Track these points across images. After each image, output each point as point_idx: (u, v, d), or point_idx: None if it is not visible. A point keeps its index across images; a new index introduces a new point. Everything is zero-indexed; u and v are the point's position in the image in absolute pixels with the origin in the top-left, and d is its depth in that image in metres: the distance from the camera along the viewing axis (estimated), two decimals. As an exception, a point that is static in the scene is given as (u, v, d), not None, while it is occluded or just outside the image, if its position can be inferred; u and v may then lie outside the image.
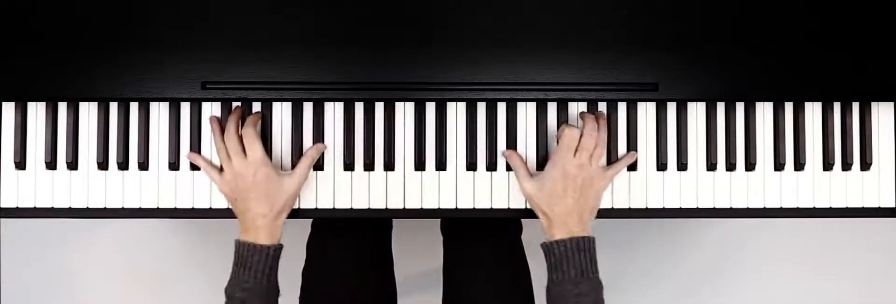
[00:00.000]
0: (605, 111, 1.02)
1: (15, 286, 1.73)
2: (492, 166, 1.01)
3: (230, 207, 0.97)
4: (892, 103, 1.03)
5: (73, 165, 1.00)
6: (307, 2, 0.98)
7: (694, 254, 1.77)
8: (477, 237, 1.17)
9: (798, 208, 1.02)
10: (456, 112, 1.02)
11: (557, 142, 0.97)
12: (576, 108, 1.02)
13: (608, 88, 0.99)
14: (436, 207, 1.01)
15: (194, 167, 1.00)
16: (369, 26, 0.98)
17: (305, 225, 1.22)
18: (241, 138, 0.96)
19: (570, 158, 0.94)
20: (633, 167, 1.01)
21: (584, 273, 0.92)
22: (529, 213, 1.01)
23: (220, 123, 0.99)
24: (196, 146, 1.00)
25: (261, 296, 0.92)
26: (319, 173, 1.01)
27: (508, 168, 1.01)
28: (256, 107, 1.01)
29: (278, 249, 0.94)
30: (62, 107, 1.01)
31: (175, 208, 1.01)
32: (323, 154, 1.00)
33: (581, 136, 0.95)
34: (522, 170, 0.98)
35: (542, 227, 0.95)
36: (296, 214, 1.00)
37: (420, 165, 1.01)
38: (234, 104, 1.01)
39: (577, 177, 0.93)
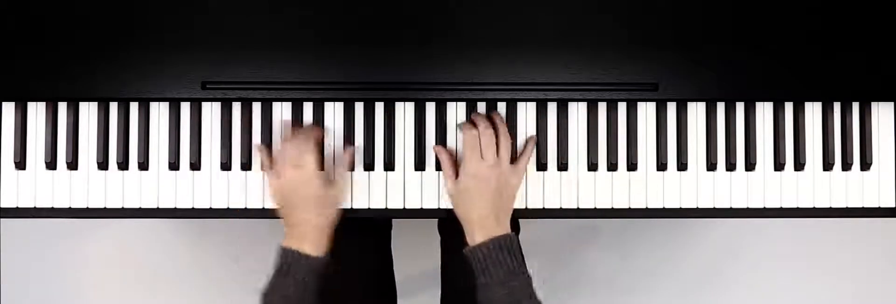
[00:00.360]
0: (604, 111, 1.02)
1: (15, 286, 1.73)
2: (492, 166, 1.01)
3: (277, 213, 0.97)
4: (892, 103, 1.03)
5: (73, 165, 1.00)
6: (307, 2, 0.98)
7: (694, 254, 1.77)
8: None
9: (798, 208, 1.02)
10: (456, 112, 1.02)
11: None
12: (576, 108, 1.02)
13: (608, 88, 0.99)
14: (436, 207, 1.01)
15: (194, 167, 1.00)
16: (369, 26, 0.98)
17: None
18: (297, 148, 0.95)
19: (477, 160, 0.94)
20: (633, 167, 1.01)
21: (511, 272, 0.90)
22: (528, 213, 1.01)
23: (286, 130, 0.99)
24: (196, 146, 1.00)
25: None
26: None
27: (508, 168, 1.01)
28: (256, 107, 1.01)
29: (325, 262, 0.93)
30: (62, 107, 1.01)
31: (175, 208, 1.01)
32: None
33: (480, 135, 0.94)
34: (448, 168, 0.97)
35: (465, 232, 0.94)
36: (296, 214, 1.00)
37: (420, 165, 1.01)
38: (280, 116, 1.01)
39: (489, 178, 0.93)
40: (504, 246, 0.91)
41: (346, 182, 0.99)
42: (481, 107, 1.01)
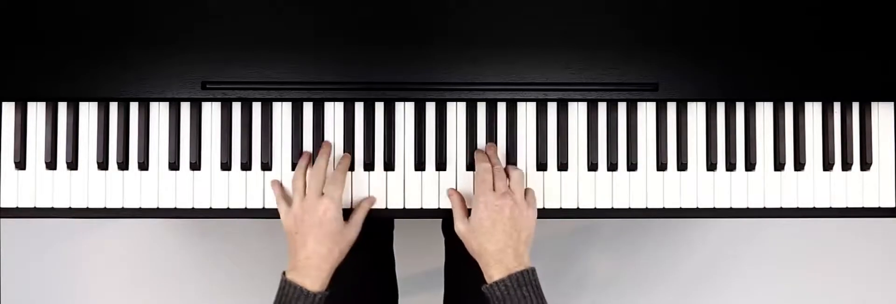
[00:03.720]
0: (604, 111, 1.02)
1: (15, 286, 1.73)
2: (492, 166, 1.01)
3: (287, 240, 0.95)
4: (892, 103, 1.03)
5: (73, 165, 1.00)
6: (307, 2, 0.98)
7: (694, 254, 1.77)
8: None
9: (798, 208, 1.02)
10: (456, 112, 1.02)
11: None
12: (576, 108, 1.02)
13: (608, 88, 0.99)
14: (436, 207, 1.01)
15: (194, 167, 1.00)
16: (369, 26, 0.98)
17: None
18: (323, 177, 0.95)
19: (488, 190, 0.93)
20: (633, 167, 1.01)
21: None
22: (529, 213, 1.01)
23: (310, 158, 0.99)
24: (196, 146, 1.00)
25: None
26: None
27: (508, 168, 1.01)
28: (256, 107, 1.01)
29: (324, 297, 0.92)
30: (62, 107, 1.01)
31: (175, 208, 1.01)
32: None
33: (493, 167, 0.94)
34: (459, 209, 0.96)
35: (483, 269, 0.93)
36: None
37: (420, 165, 1.01)
38: (328, 140, 1.01)
39: (502, 207, 0.91)
40: (523, 282, 0.88)
41: (359, 227, 0.98)
42: (481, 107, 1.01)
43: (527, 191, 0.97)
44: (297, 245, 0.93)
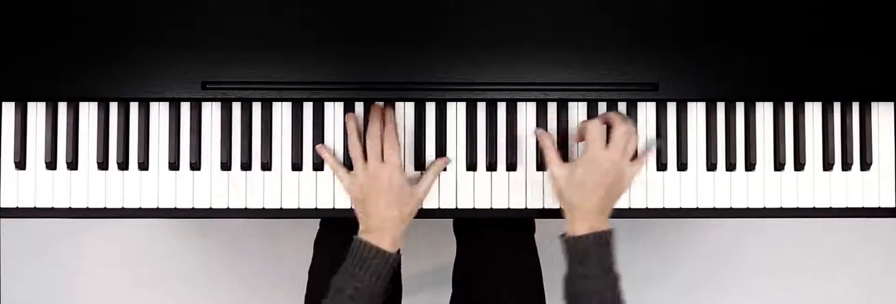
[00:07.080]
0: (605, 111, 1.02)
1: (15, 286, 1.73)
2: (492, 166, 1.01)
3: (351, 207, 0.98)
4: (892, 103, 1.03)
5: (73, 165, 1.00)
6: (307, 2, 0.98)
7: (694, 254, 1.77)
8: (491, 237, 1.17)
9: (798, 208, 1.02)
10: (456, 112, 1.02)
11: (578, 136, 0.97)
12: (576, 108, 1.02)
13: (608, 88, 0.99)
14: (436, 207, 1.01)
15: (194, 167, 1.00)
16: (369, 26, 0.98)
17: (313, 224, 1.22)
18: (381, 141, 0.96)
19: (603, 151, 0.93)
20: (633, 167, 1.01)
21: (606, 268, 0.91)
22: (529, 213, 1.01)
23: (358, 123, 0.99)
24: (196, 146, 1.00)
25: (369, 298, 0.92)
26: (319, 173, 1.01)
27: (508, 168, 1.01)
28: (256, 107, 1.01)
29: (398, 258, 0.94)
30: (62, 107, 1.01)
31: (175, 208, 1.01)
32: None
33: (612, 130, 0.94)
34: (553, 152, 0.97)
35: (565, 218, 0.95)
36: (300, 214, 1.00)
37: (420, 165, 1.01)
38: (379, 103, 1.00)
39: (608, 172, 0.92)
40: (603, 242, 0.91)
41: (431, 184, 0.99)
42: (481, 107, 1.01)
43: (642, 154, 0.98)
44: (368, 211, 0.94)
